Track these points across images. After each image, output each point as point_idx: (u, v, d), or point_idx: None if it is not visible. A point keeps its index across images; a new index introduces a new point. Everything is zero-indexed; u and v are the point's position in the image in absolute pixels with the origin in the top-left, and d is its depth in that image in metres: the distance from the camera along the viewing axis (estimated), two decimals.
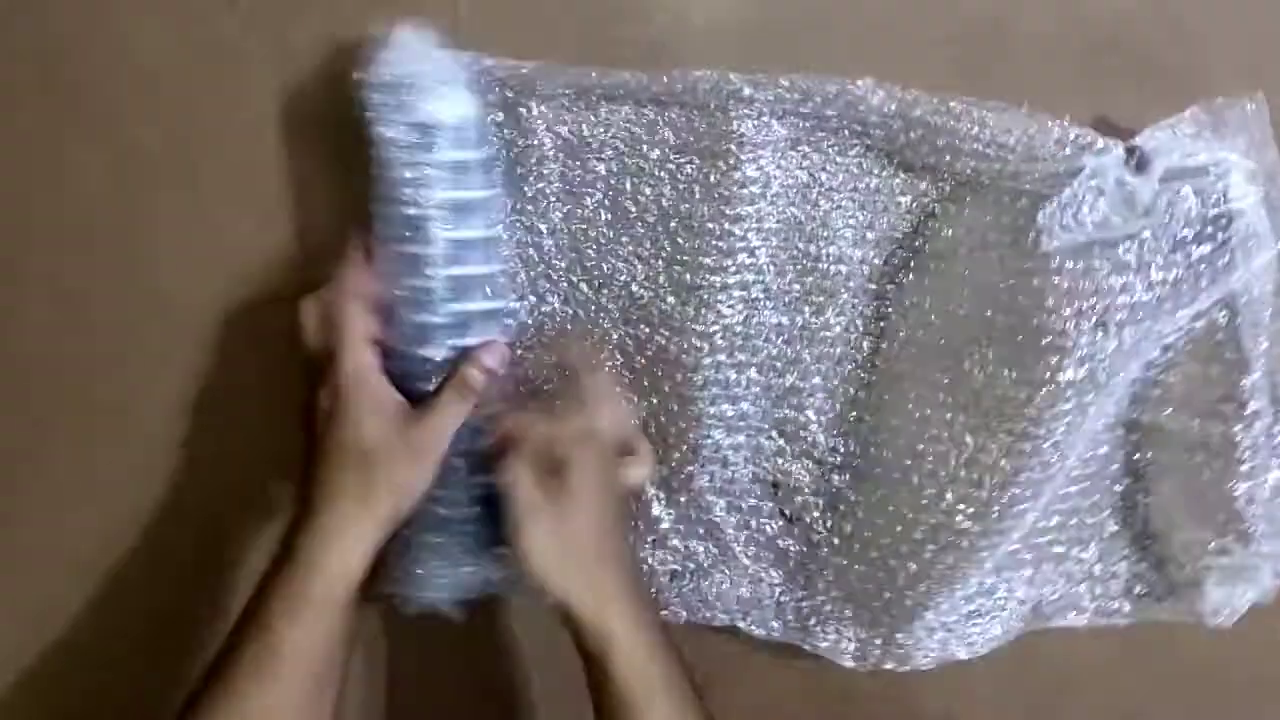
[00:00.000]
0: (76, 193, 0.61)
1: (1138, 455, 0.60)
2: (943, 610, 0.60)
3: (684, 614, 0.62)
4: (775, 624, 0.62)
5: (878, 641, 0.61)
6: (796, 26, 0.58)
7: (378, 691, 0.66)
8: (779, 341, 0.60)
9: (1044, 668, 0.65)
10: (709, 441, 0.60)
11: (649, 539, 0.63)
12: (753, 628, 0.62)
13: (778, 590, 0.63)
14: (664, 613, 0.62)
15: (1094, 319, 0.54)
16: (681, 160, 0.57)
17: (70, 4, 0.59)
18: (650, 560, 0.63)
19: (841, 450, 0.61)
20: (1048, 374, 0.54)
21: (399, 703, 0.67)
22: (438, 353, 0.54)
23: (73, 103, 0.60)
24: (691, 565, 0.63)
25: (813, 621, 0.62)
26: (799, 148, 0.57)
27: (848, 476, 0.61)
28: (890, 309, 0.59)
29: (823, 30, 0.58)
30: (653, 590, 0.62)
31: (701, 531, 0.62)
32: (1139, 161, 0.53)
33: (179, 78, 0.59)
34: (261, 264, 0.60)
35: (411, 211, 0.52)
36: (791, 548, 0.62)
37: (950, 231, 0.57)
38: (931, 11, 0.58)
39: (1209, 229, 0.53)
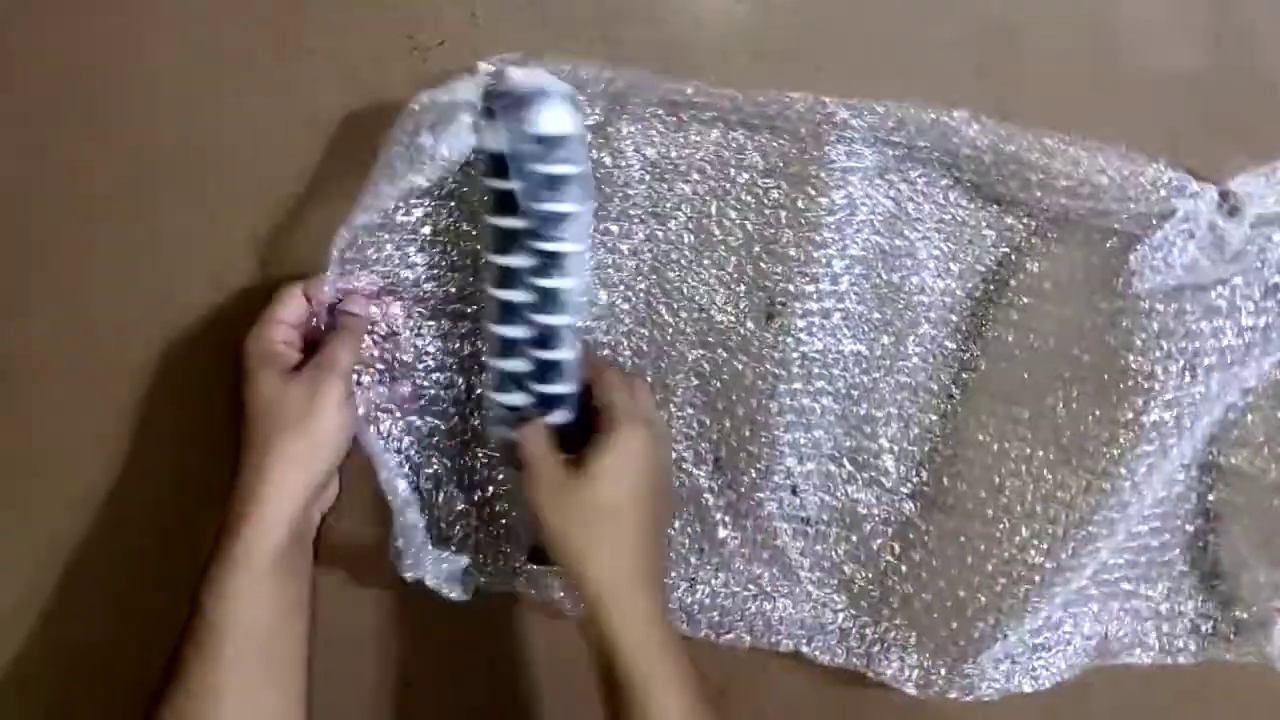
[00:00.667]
0: (83, 194, 0.60)
1: (1212, 496, 0.60)
2: (1010, 643, 0.60)
3: (748, 638, 0.62)
4: (839, 650, 0.62)
5: (942, 670, 0.61)
6: (811, 29, 0.57)
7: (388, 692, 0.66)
8: (857, 370, 0.59)
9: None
10: (780, 468, 0.60)
11: (713, 561, 0.63)
12: (816, 653, 0.62)
13: (841, 616, 0.63)
14: (728, 636, 0.62)
15: (1182, 362, 0.54)
16: (769, 184, 0.57)
17: (81, 7, 0.59)
18: (713, 583, 0.63)
19: (913, 480, 0.61)
20: (1132, 415, 0.54)
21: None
22: (522, 365, 0.54)
23: (83, 102, 0.60)
24: (754, 589, 0.63)
25: (877, 649, 0.62)
26: (887, 176, 0.57)
27: (918, 506, 0.61)
28: (971, 342, 0.59)
29: (837, 33, 0.57)
30: (715, 614, 0.62)
31: (767, 556, 0.62)
32: (1232, 207, 0.53)
33: (188, 79, 0.59)
34: (269, 266, 0.60)
35: (508, 224, 0.52)
36: (858, 575, 0.62)
37: (1037, 267, 0.57)
38: (945, 14, 0.58)
39: None
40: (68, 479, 0.63)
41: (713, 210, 0.58)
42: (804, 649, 0.62)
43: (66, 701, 0.65)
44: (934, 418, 0.60)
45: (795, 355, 0.58)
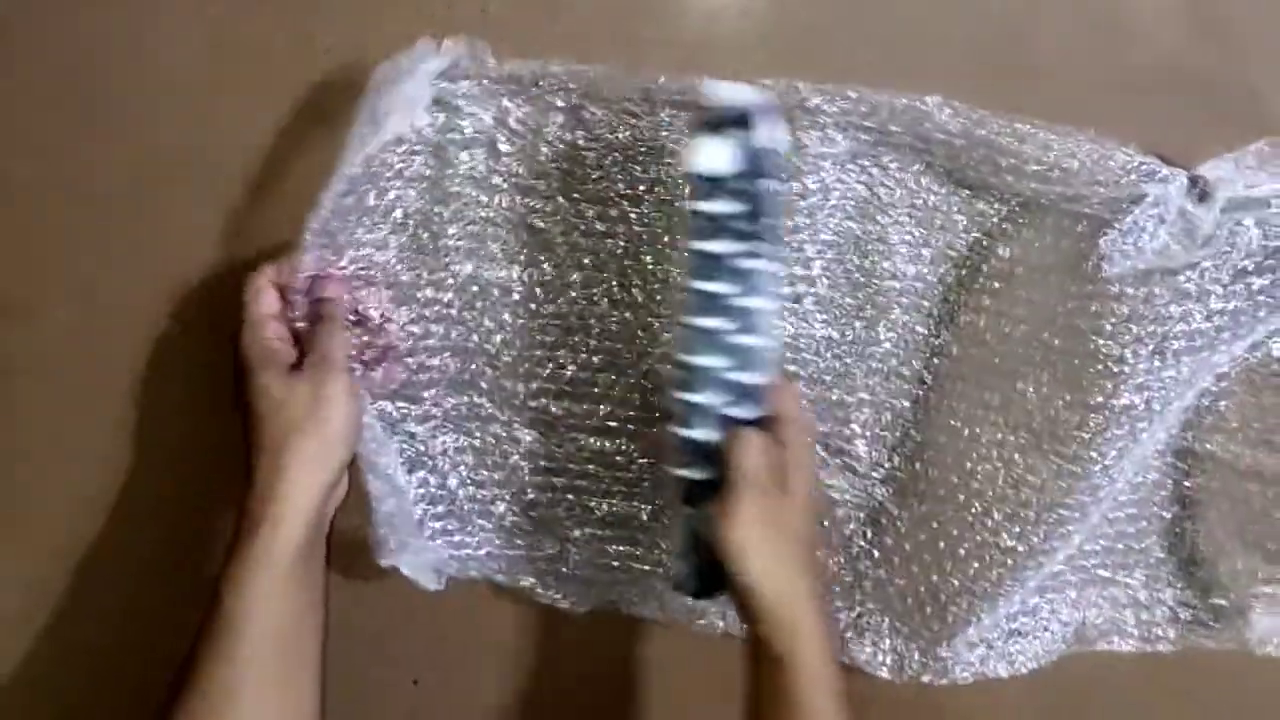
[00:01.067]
0: (87, 193, 0.61)
1: (1188, 482, 0.60)
2: (984, 626, 0.60)
3: (721, 624, 0.62)
4: None
5: (916, 655, 0.61)
6: (824, 29, 0.58)
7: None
8: (829, 355, 0.60)
9: (1067, 675, 0.64)
10: None
11: None
12: None
13: None
14: (701, 623, 0.62)
15: (1152, 346, 0.54)
16: None
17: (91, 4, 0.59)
18: None
19: (885, 465, 0.61)
20: (1103, 399, 0.54)
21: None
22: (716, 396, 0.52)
23: (90, 100, 0.60)
24: None
25: (850, 634, 0.62)
26: (859, 160, 0.57)
27: (891, 491, 0.61)
28: (943, 327, 0.59)
29: (851, 34, 0.58)
30: (689, 600, 0.62)
31: None
32: (1201, 191, 0.53)
33: (201, 76, 0.60)
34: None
35: (713, 248, 0.50)
36: (831, 560, 0.62)
37: (1008, 252, 0.57)
38: (958, 16, 0.58)
39: (1270, 261, 0.53)
40: (70, 480, 0.63)
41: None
42: None
43: (72, 704, 0.65)
44: (906, 403, 0.60)
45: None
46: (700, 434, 0.52)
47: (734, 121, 0.48)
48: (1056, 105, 0.55)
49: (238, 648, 0.49)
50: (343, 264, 0.56)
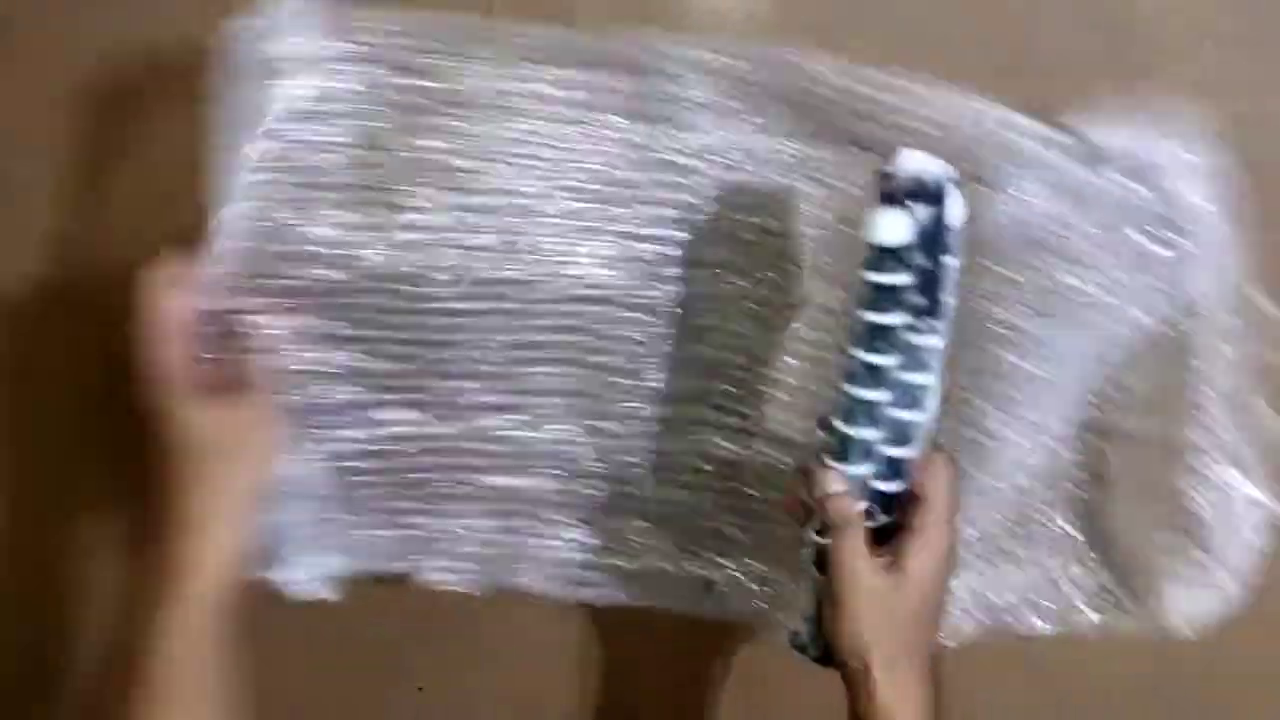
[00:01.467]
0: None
1: (1099, 460, 0.57)
2: None
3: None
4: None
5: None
6: (826, 29, 0.57)
7: None
8: (714, 316, 0.58)
9: (1071, 677, 0.64)
10: (644, 414, 0.59)
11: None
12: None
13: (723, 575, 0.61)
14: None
15: (1043, 312, 0.52)
16: (623, 124, 0.55)
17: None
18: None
19: (776, 425, 0.59)
20: (996, 365, 0.53)
21: None
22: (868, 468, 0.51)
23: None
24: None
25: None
26: (744, 115, 0.55)
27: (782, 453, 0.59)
28: (839, 288, 0.56)
29: (854, 32, 0.58)
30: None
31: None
32: (1092, 155, 0.52)
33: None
34: None
35: (885, 320, 0.49)
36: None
37: None
38: (959, 16, 0.58)
39: (1160, 227, 0.51)
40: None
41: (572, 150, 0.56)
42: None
43: None
44: (804, 364, 0.58)
45: (658, 296, 0.57)
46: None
47: (918, 193, 0.47)
48: (1058, 103, 0.54)
49: (170, 689, 0.46)
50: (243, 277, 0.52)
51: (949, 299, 0.48)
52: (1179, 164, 0.51)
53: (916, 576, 0.49)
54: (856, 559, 0.49)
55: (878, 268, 0.48)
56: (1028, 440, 0.55)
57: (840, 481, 0.50)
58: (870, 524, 0.50)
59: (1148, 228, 0.51)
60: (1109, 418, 0.56)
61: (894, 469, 0.50)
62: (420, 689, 0.65)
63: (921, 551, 0.49)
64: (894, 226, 0.47)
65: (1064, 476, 0.58)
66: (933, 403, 0.49)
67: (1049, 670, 0.63)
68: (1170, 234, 0.51)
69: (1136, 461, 0.56)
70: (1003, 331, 0.52)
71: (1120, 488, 0.57)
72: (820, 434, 0.51)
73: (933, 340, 0.48)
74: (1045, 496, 0.58)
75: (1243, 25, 0.57)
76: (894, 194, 0.47)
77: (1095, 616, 0.59)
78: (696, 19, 0.58)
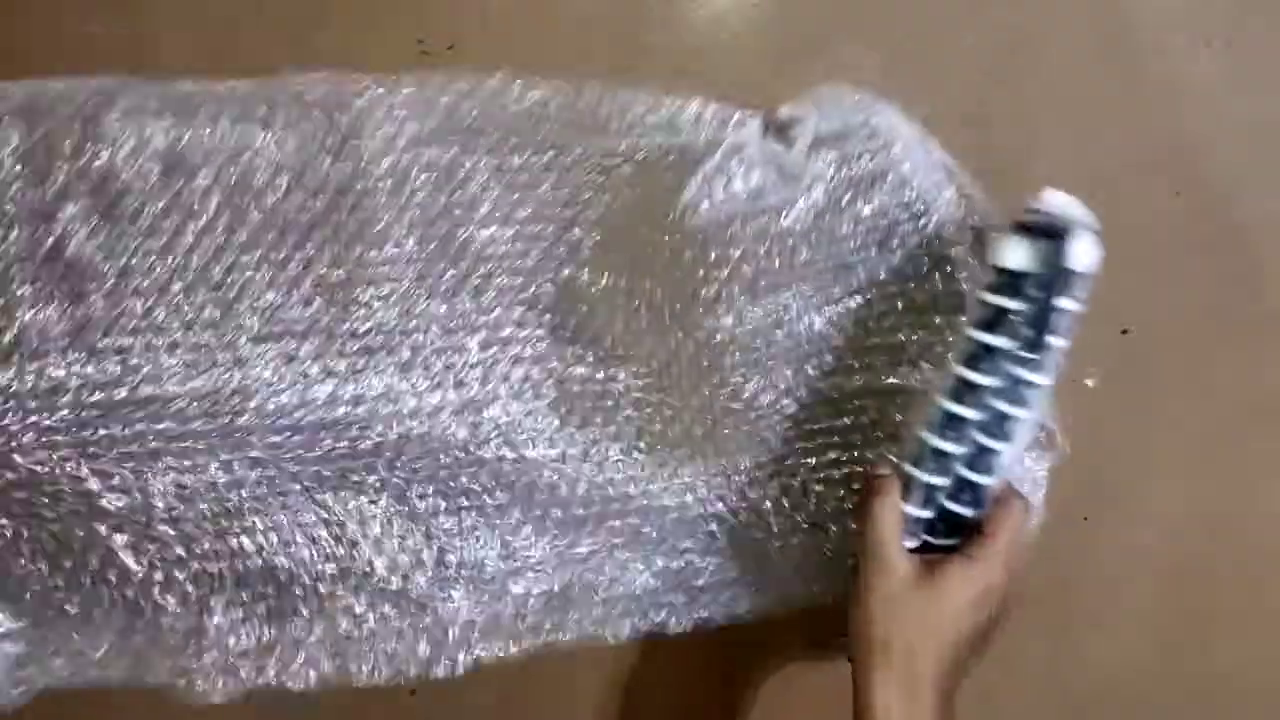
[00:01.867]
0: None
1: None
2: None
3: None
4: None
5: None
6: (826, 35, 0.58)
7: None
8: (438, 331, 0.56)
9: (1075, 675, 0.65)
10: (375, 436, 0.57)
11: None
12: None
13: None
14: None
15: (745, 286, 0.55)
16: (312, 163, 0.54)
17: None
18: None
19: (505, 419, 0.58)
20: (706, 338, 0.56)
21: None
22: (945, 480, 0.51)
23: None
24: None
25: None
26: (437, 137, 0.54)
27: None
28: (549, 284, 0.57)
29: (852, 40, 0.58)
30: None
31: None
32: (780, 130, 0.54)
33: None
34: None
35: (992, 341, 0.50)
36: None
37: (601, 209, 0.56)
38: (958, 23, 0.59)
39: (860, 192, 0.55)
40: None
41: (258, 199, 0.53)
42: None
43: None
44: (532, 370, 0.58)
45: (369, 326, 0.55)
46: (913, 510, 0.51)
47: (1049, 231, 0.48)
48: (1055, 106, 0.57)
49: None
50: None
51: (1056, 341, 0.49)
52: (869, 128, 0.55)
53: (948, 597, 0.48)
54: (890, 526, 0.49)
55: (995, 289, 0.50)
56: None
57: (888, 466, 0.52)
58: (931, 539, 0.51)
59: (846, 191, 0.55)
60: (892, 376, 0.58)
61: (968, 492, 0.51)
62: (412, 693, 0.62)
63: (963, 577, 0.49)
64: (1017, 253, 0.49)
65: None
66: (1021, 439, 0.51)
67: (1049, 670, 0.64)
68: (869, 194, 0.54)
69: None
70: (712, 308, 0.55)
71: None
72: (909, 441, 0.53)
73: (1034, 376, 0.50)
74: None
75: None
76: (1028, 225, 0.49)
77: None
78: (693, 24, 0.58)
